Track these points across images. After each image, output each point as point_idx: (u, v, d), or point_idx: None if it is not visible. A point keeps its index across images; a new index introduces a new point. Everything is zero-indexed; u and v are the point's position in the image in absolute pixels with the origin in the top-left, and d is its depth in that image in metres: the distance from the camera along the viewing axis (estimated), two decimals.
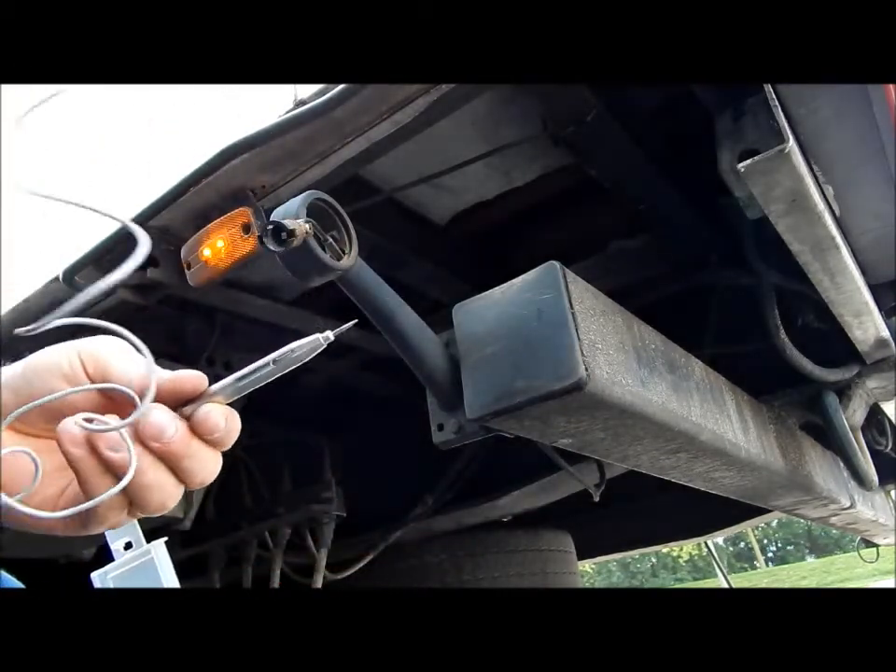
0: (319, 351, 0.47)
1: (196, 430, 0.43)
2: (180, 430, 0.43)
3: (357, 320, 0.53)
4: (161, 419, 0.42)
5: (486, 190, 1.51)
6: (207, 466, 0.44)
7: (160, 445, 0.42)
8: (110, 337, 0.44)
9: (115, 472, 0.41)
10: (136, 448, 0.41)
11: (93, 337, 0.45)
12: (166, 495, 0.43)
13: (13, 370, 0.44)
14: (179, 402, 0.44)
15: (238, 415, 0.45)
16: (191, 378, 0.44)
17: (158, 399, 0.42)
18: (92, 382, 0.43)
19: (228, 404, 0.45)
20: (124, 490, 0.41)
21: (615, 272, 1.58)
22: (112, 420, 0.41)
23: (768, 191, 0.96)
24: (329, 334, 0.47)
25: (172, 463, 0.43)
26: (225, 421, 0.44)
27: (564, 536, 2.66)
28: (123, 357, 0.44)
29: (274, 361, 0.45)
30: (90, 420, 0.41)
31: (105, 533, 0.51)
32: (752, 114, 0.91)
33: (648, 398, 0.91)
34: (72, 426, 0.41)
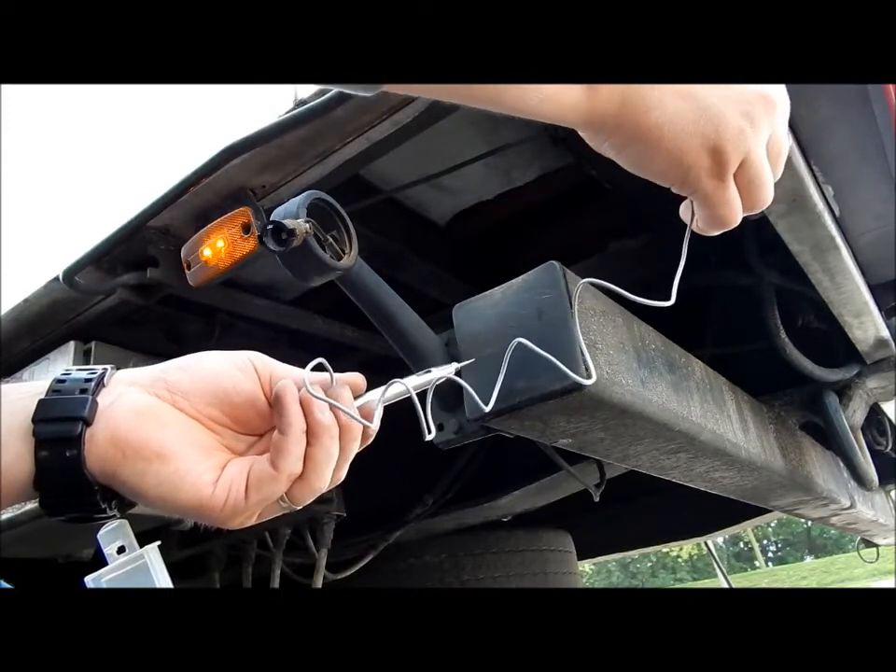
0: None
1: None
2: (357, 413, 0.48)
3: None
4: (349, 397, 0.48)
5: (486, 190, 1.51)
6: (353, 456, 0.49)
7: (345, 419, 0.47)
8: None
9: (314, 434, 0.46)
10: (328, 416, 0.46)
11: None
12: (329, 471, 0.47)
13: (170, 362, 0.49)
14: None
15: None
16: (358, 378, 0.50)
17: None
18: (259, 376, 0.48)
19: None
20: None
21: (615, 272, 1.58)
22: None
23: None
24: (458, 365, 0.58)
25: (344, 439, 0.47)
26: (379, 418, 0.50)
27: (564, 536, 2.65)
28: (280, 363, 0.50)
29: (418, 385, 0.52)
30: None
31: (98, 537, 0.51)
32: None
33: (648, 398, 0.91)
34: (293, 385, 0.46)
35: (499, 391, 0.79)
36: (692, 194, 0.54)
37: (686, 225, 0.59)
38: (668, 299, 0.58)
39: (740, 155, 0.51)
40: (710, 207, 0.54)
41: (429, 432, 0.50)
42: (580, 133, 0.53)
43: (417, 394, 0.51)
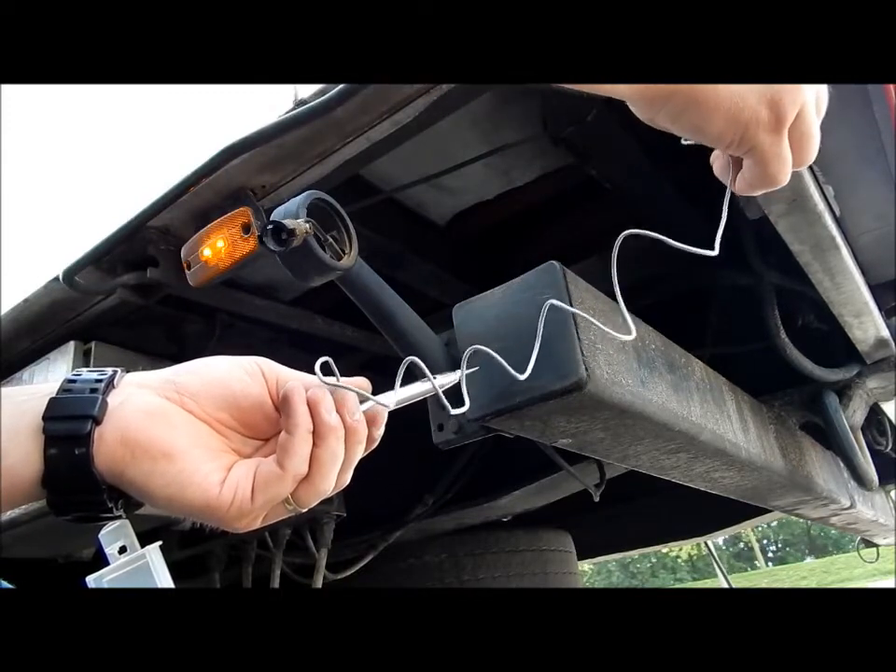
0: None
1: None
2: (362, 416, 0.49)
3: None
4: (355, 400, 0.49)
5: (486, 190, 1.51)
6: (357, 459, 0.50)
7: (351, 421, 0.47)
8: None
9: (320, 435, 0.46)
10: (334, 417, 0.46)
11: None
12: (335, 473, 0.48)
13: (178, 366, 0.50)
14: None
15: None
16: (363, 382, 0.51)
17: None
18: (267, 380, 0.49)
19: None
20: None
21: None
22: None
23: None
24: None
25: (349, 441, 0.48)
26: (383, 423, 0.51)
27: (564, 536, 2.65)
28: (287, 368, 0.51)
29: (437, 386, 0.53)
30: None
31: (99, 537, 0.51)
32: None
33: (648, 398, 0.91)
34: (301, 387, 0.47)
35: (499, 391, 0.79)
36: (747, 152, 0.53)
37: (723, 188, 0.59)
38: (712, 249, 0.58)
39: (796, 107, 0.51)
40: (764, 164, 0.53)
41: (463, 405, 0.52)
42: (630, 105, 0.53)
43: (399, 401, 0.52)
